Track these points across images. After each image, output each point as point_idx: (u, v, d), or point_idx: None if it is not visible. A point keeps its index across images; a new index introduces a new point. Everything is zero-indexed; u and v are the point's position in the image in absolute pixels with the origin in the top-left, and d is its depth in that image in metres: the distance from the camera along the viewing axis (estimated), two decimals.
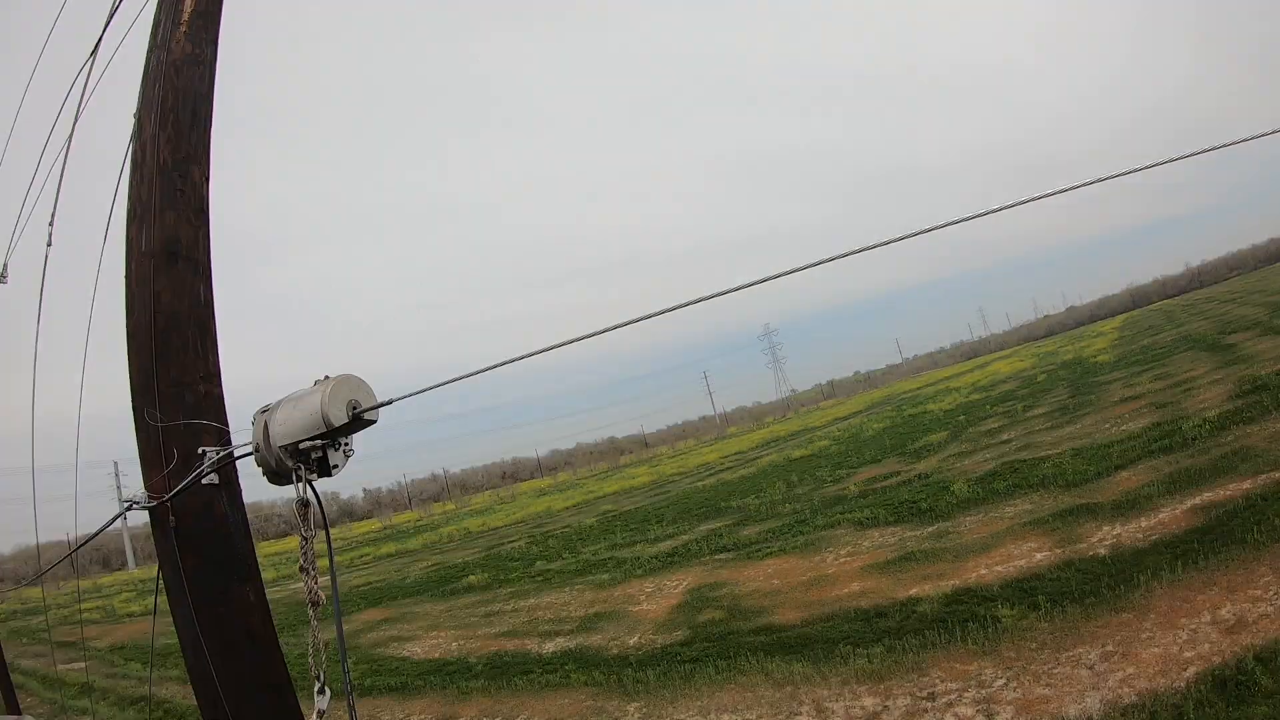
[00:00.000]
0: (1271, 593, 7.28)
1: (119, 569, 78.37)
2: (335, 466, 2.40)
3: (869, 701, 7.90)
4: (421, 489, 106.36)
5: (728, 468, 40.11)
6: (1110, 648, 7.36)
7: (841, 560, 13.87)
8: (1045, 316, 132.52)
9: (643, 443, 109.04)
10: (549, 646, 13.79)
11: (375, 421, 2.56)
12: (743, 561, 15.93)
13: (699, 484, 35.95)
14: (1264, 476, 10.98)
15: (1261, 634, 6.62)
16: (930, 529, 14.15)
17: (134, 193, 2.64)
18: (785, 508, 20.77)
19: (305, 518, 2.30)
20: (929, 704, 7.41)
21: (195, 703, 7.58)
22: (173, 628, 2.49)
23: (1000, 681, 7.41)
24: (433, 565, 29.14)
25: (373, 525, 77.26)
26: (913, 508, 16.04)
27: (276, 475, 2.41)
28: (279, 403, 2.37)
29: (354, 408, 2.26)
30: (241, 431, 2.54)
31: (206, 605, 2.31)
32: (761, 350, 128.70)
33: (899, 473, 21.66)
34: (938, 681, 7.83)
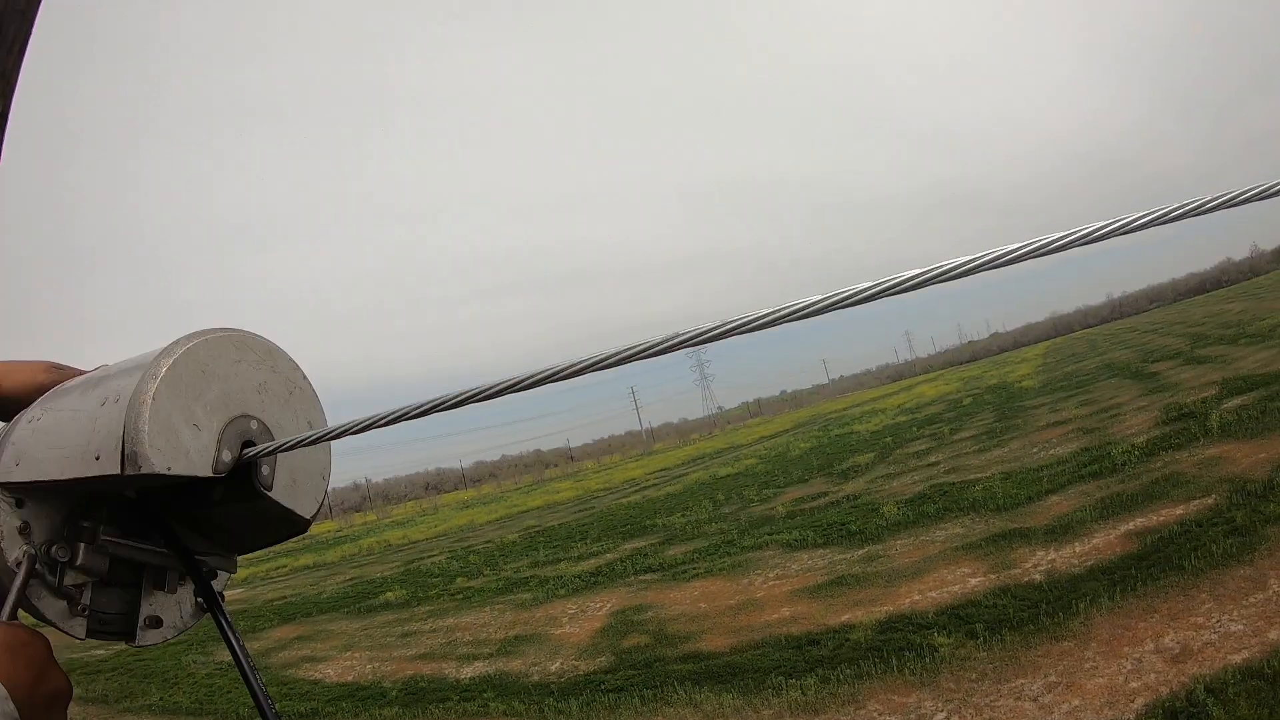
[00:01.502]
0: (1214, 620, 7.22)
1: None
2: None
3: None
4: (342, 498, 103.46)
5: (653, 484, 39.81)
6: (1053, 678, 7.17)
7: (770, 584, 13.58)
8: (970, 342, 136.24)
9: (568, 456, 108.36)
10: (467, 671, 13.25)
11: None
12: (669, 583, 15.52)
13: (624, 500, 35.49)
14: (1196, 502, 11.09)
15: (1208, 663, 6.50)
16: (860, 552, 13.98)
17: None
18: (712, 527, 20.48)
19: None
20: None
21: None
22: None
23: (941, 715, 7.13)
24: (350, 580, 28.14)
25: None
26: (842, 530, 15.89)
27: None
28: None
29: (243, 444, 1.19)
30: None
31: None
32: (689, 368, 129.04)
33: (827, 493, 21.62)
34: (875, 715, 7.52)
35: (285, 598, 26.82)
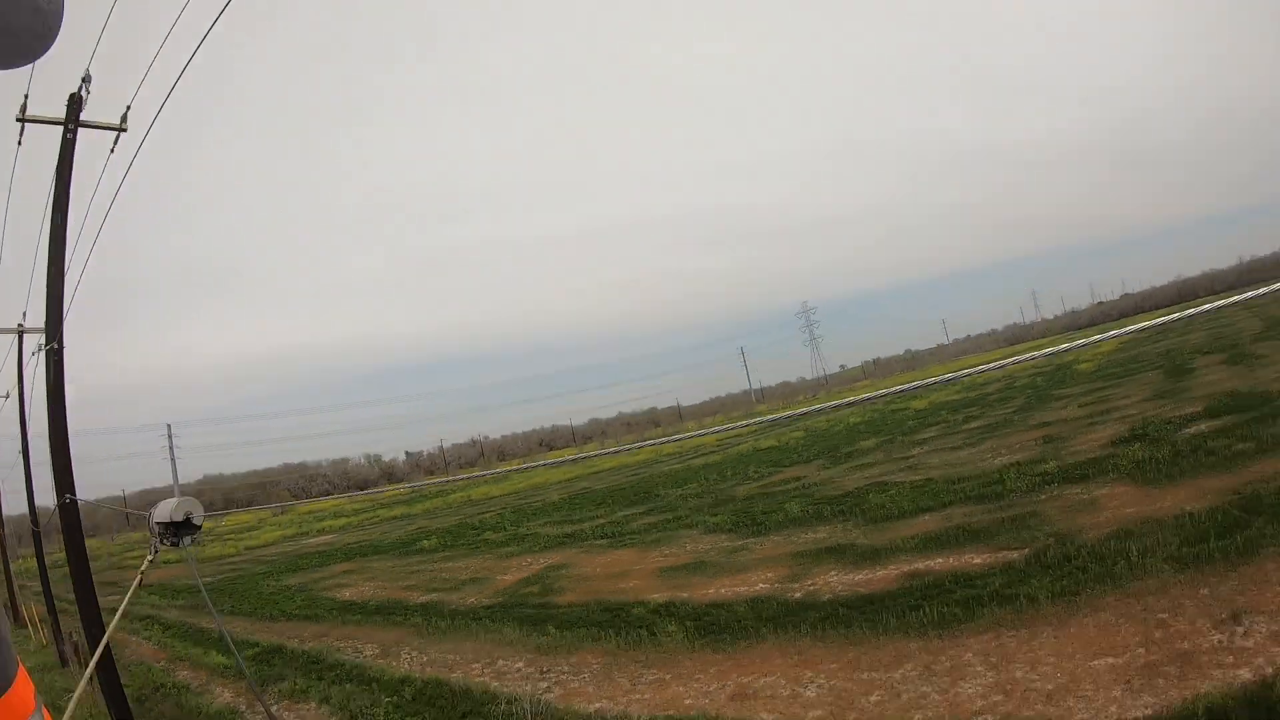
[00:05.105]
0: (776, 679, 7.81)
1: None
2: (181, 543, 4.68)
3: (519, 664, 9.83)
4: (460, 454, 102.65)
5: (712, 451, 40.65)
6: (655, 676, 8.43)
7: (653, 560, 14.73)
8: (1099, 303, 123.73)
9: (678, 415, 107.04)
10: (420, 598, 15.95)
11: (201, 524, 4.64)
12: (602, 550, 17.02)
13: (673, 467, 36.40)
14: (1003, 553, 10.47)
15: (764, 703, 7.24)
16: (738, 543, 14.63)
17: None
18: (684, 503, 21.43)
19: (152, 561, 4.92)
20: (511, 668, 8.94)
21: (189, 622, 16.67)
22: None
23: (589, 673, 8.75)
24: (416, 529, 31.37)
25: (402, 488, 77.78)
26: (749, 520, 16.46)
27: (160, 537, 4.62)
28: (160, 503, 4.49)
29: (186, 514, 4.38)
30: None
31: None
32: (799, 328, 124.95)
33: (800, 479, 21.79)
34: (563, 663, 9.46)
35: (356, 542, 31.16)
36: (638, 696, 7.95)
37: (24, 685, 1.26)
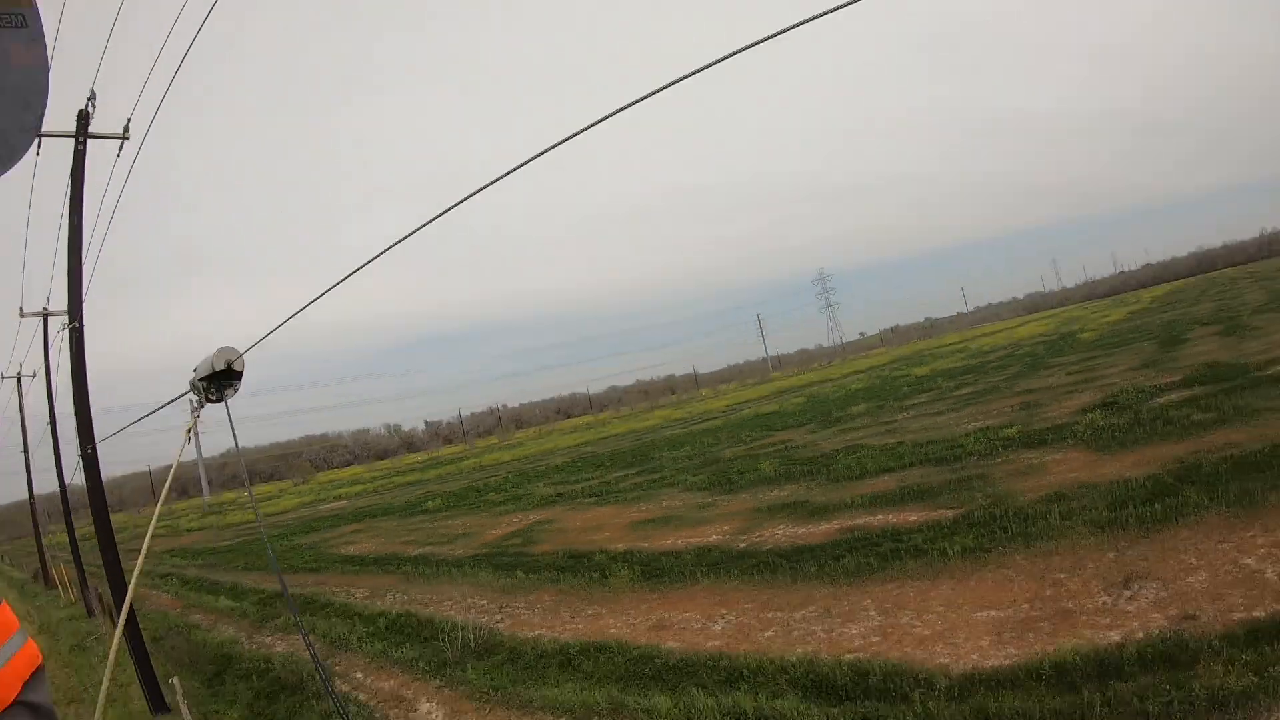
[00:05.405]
0: (691, 615, 8.71)
1: (194, 496, 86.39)
2: (225, 395, 4.64)
3: (485, 602, 11.09)
4: (479, 422, 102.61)
5: (714, 417, 41.36)
6: (594, 611, 9.50)
7: (631, 514, 15.65)
8: (1121, 272, 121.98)
9: (695, 382, 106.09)
10: (415, 551, 17.10)
11: (242, 371, 4.48)
12: (588, 507, 17.90)
13: (675, 433, 37.23)
14: (938, 512, 10.87)
15: (676, 636, 8.15)
16: (709, 500, 15.46)
17: None
18: (674, 465, 22.28)
19: (199, 415, 4.64)
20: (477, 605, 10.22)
21: (205, 577, 18.79)
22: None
23: (540, 608, 9.90)
24: (424, 493, 32.81)
25: (419, 457, 77.80)
26: (724, 479, 17.26)
27: (204, 394, 4.50)
28: (199, 363, 4.47)
29: (227, 362, 4.32)
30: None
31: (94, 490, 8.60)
32: (816, 294, 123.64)
33: (785, 442, 22.47)
34: (521, 601, 10.56)
35: (367, 506, 33.14)
36: (573, 626, 8.92)
37: (2, 610, 1.17)
